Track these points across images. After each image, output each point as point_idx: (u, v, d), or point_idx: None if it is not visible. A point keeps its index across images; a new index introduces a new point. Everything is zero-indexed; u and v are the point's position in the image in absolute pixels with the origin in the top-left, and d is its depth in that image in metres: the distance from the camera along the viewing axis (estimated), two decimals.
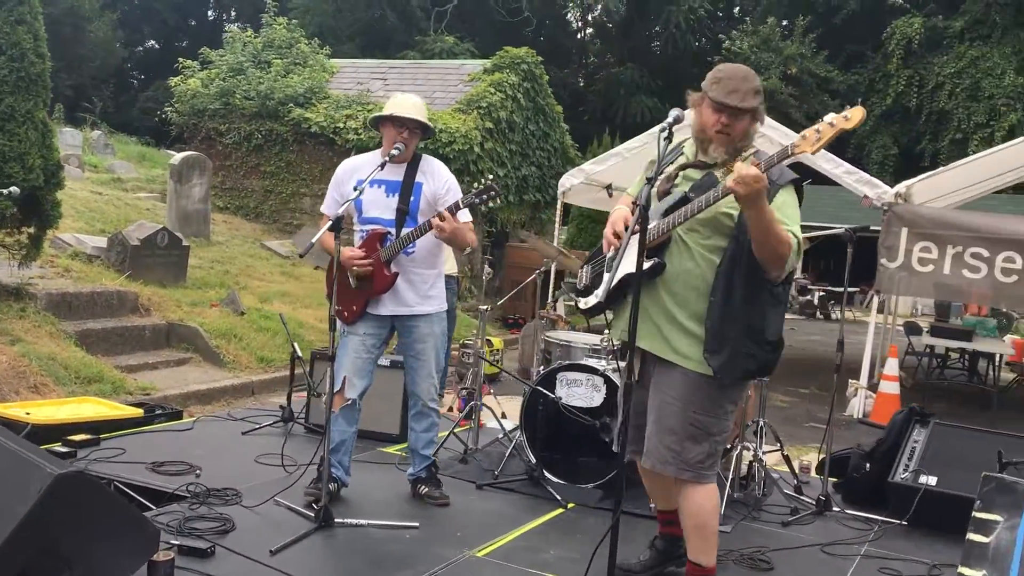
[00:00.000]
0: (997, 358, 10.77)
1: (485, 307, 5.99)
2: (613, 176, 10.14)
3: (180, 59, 15.57)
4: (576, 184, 10.14)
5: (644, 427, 3.59)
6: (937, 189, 9.65)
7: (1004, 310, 14.21)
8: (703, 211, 3.23)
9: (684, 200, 3.33)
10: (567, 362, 5.04)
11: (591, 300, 3.62)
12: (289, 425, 5.91)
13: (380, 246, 4.38)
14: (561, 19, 37.29)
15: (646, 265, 3.31)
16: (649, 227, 3.34)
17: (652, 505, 3.99)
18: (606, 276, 3.56)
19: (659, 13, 32.22)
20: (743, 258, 3.21)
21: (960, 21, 26.69)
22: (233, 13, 39.15)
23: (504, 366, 9.08)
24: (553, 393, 4.96)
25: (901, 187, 8.87)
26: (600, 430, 4.81)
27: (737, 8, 36.89)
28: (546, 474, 4.90)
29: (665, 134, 3.23)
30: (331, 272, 4.54)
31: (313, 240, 4.10)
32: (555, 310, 10.33)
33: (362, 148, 13.14)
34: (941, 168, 10.21)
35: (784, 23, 29.85)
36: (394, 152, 4.30)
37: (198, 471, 4.77)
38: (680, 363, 3.33)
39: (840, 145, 17.38)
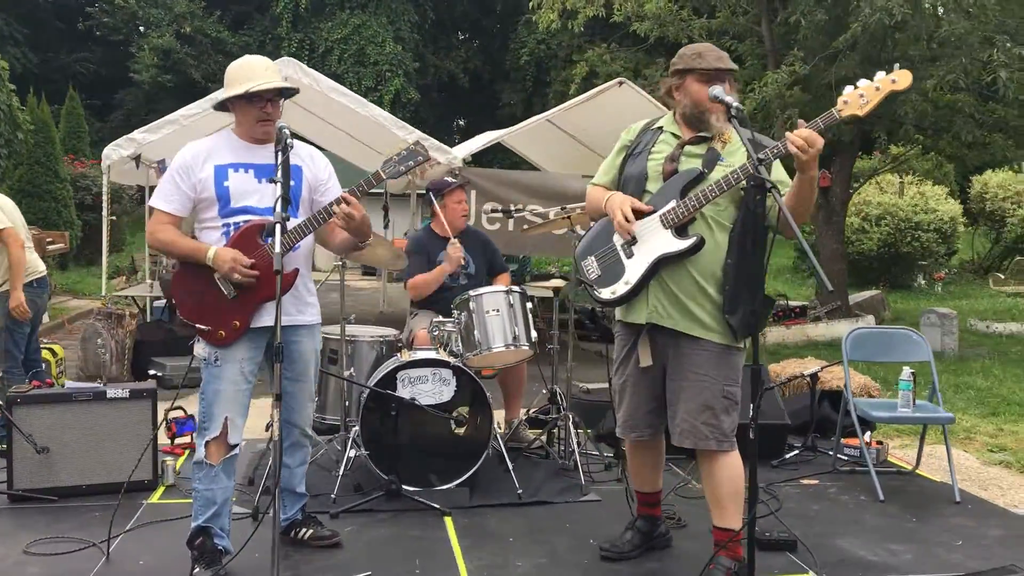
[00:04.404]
0: None
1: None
2: (169, 149, 8.96)
3: None
4: (125, 156, 8.74)
5: (657, 411, 3.58)
6: None
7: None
8: (739, 179, 3.28)
9: (700, 177, 3.38)
10: (407, 360, 4.56)
11: (619, 288, 3.45)
12: None
13: (261, 240, 3.50)
14: None
15: (688, 243, 3.32)
16: (670, 207, 3.36)
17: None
18: (628, 262, 3.44)
19: None
20: (752, 223, 3.37)
21: None
22: None
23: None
24: (395, 395, 4.48)
25: (466, 154, 9.49)
26: (464, 424, 4.50)
27: None
28: (405, 487, 4.43)
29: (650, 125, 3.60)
30: (185, 282, 3.53)
31: (276, 248, 3.12)
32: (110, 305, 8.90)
33: None
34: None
35: None
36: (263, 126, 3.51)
37: None
38: (708, 337, 3.40)
39: None
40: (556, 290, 5.18)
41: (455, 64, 30.33)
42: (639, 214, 3.42)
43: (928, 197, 17.67)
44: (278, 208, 3.22)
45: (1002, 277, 17.58)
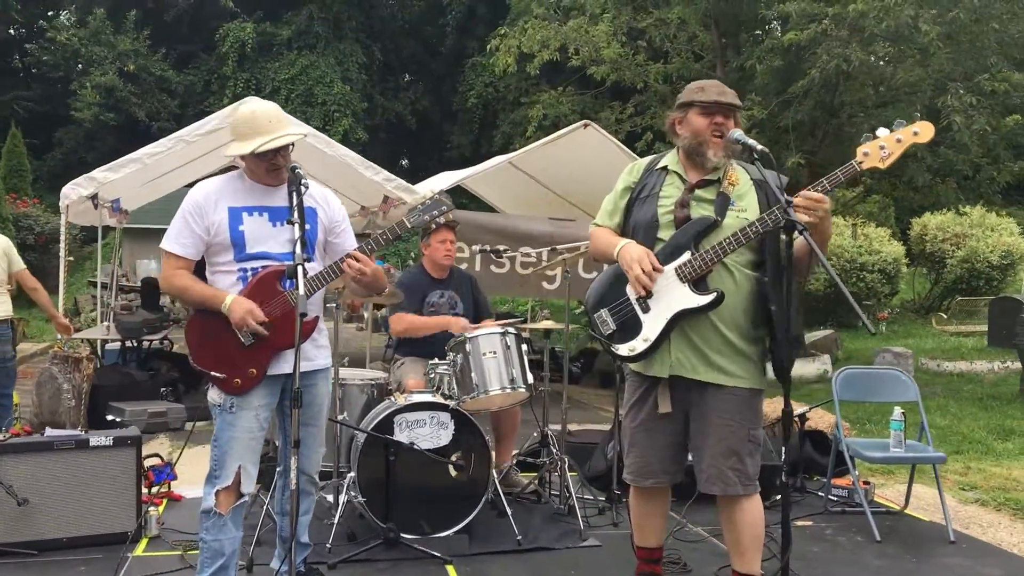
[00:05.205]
0: None
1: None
2: (130, 188, 8.79)
3: None
4: (83, 196, 8.50)
5: (675, 456, 3.52)
6: None
7: None
8: (759, 233, 3.26)
9: (714, 225, 3.34)
10: (403, 404, 4.46)
11: (638, 345, 3.35)
12: None
13: (281, 287, 3.40)
14: None
15: (709, 299, 3.28)
16: (684, 259, 3.31)
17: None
18: (645, 317, 3.37)
19: None
20: (779, 265, 3.32)
21: (287, 30, 28.25)
22: None
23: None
24: (394, 439, 4.37)
25: (438, 190, 9.46)
26: (462, 469, 4.42)
27: None
28: (403, 535, 4.31)
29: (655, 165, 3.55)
30: (200, 329, 3.40)
31: (300, 290, 3.02)
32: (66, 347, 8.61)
33: None
34: None
35: (113, 17, 28.16)
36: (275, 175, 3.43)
37: None
38: (731, 383, 3.36)
39: None
40: (547, 331, 5.14)
41: (403, 105, 30.38)
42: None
43: (872, 239, 18.11)
44: (298, 250, 3.14)
45: (945, 317, 18.04)
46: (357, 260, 3.40)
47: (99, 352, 9.99)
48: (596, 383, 11.88)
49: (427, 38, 31.86)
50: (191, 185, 15.08)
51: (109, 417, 7.51)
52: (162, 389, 8.89)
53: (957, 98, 9.12)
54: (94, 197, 9.11)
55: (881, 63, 10.67)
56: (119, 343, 9.92)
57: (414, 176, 18.46)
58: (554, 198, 12.07)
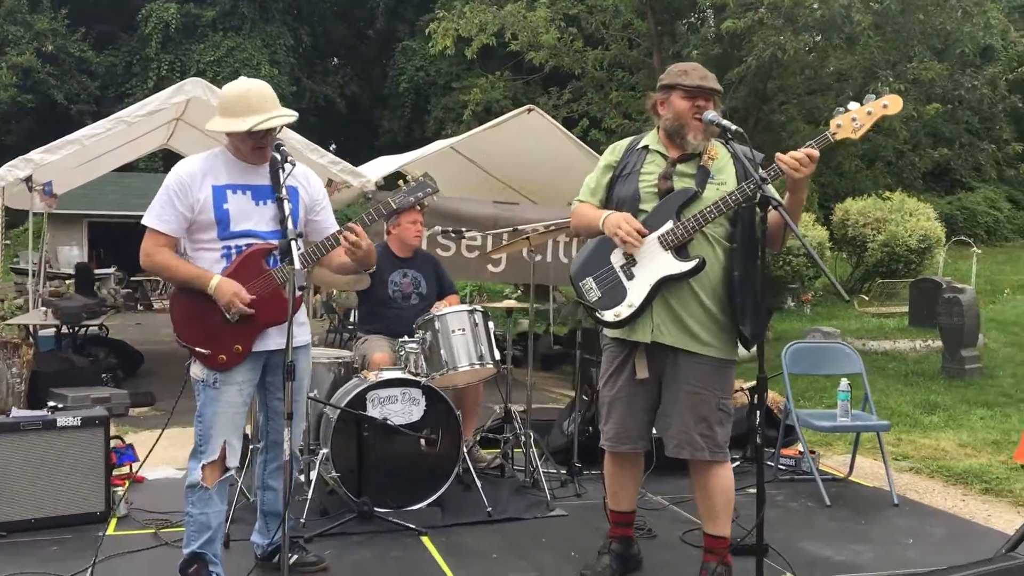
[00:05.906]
0: None
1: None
2: (67, 170, 8.59)
3: None
4: (20, 177, 8.27)
5: (652, 423, 3.68)
6: None
7: None
8: (739, 203, 3.42)
9: (695, 196, 3.51)
10: (375, 380, 4.52)
11: (623, 311, 3.49)
12: None
13: (267, 264, 3.43)
14: None
15: (691, 265, 3.44)
16: (667, 228, 3.48)
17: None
18: (629, 284, 3.51)
19: None
20: (750, 235, 3.52)
21: (212, 11, 27.71)
22: None
23: None
24: (368, 415, 4.44)
25: (378, 177, 9.48)
26: (434, 443, 4.51)
27: None
28: (376, 509, 4.39)
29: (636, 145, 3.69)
30: (184, 305, 3.42)
31: (296, 264, 3.07)
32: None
33: None
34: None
35: None
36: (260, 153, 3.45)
37: None
38: (705, 352, 3.53)
39: None
40: (509, 310, 5.25)
41: (332, 89, 30.10)
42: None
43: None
44: (290, 226, 3.19)
45: (866, 299, 18.66)
46: (356, 234, 3.43)
47: (33, 338, 9.75)
48: (538, 365, 12.05)
49: (356, 21, 31.59)
50: (120, 169, 14.51)
51: (51, 403, 7.37)
52: (103, 375, 8.76)
53: (887, 85, 9.48)
54: (28, 179, 8.88)
55: (805, 50, 11.00)
56: (53, 329, 9.70)
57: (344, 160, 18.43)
58: (495, 183, 12.13)
